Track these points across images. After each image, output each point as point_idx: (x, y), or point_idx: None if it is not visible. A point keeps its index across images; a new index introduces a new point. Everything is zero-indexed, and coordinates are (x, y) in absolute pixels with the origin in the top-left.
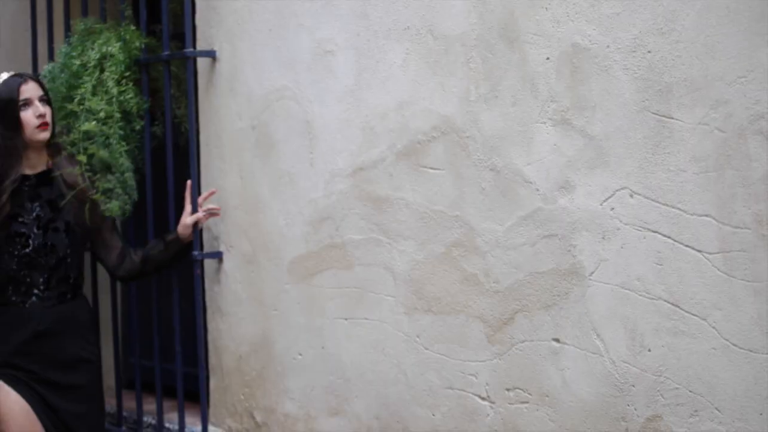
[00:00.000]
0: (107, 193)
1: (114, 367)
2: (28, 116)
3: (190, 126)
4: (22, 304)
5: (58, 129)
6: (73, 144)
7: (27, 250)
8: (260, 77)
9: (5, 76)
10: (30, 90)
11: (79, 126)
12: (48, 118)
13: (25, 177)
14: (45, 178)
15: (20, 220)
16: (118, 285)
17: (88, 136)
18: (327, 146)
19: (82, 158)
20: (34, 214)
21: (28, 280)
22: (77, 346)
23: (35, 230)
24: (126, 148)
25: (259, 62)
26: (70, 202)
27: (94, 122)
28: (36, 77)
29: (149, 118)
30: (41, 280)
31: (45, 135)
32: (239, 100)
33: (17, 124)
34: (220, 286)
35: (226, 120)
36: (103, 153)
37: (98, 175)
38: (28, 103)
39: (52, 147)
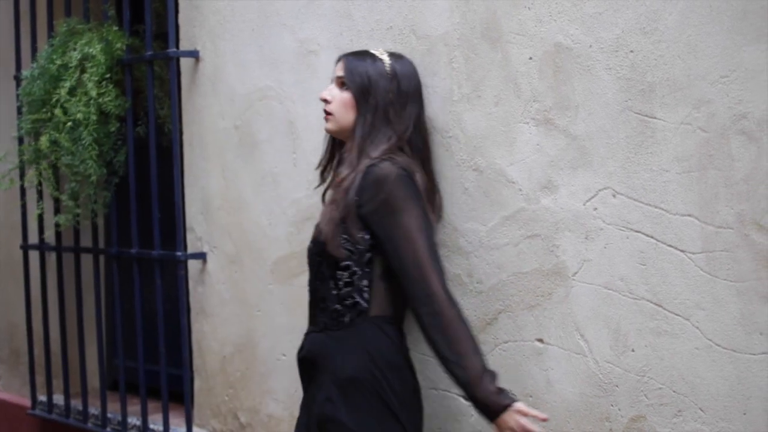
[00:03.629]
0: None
1: (98, 369)
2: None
3: (173, 126)
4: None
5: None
6: (38, 151)
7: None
8: (243, 77)
9: None
10: (338, 69)
11: (47, 133)
12: (332, 106)
13: None
14: None
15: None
16: (102, 284)
17: (56, 145)
18: (310, 146)
19: (47, 168)
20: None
21: (309, 295)
22: (324, 392)
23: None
24: (96, 151)
25: (241, 62)
26: None
27: (62, 132)
28: (350, 56)
29: (132, 118)
30: (311, 298)
31: (326, 125)
32: (222, 100)
33: None
34: (203, 286)
35: (209, 120)
36: (66, 160)
37: (53, 187)
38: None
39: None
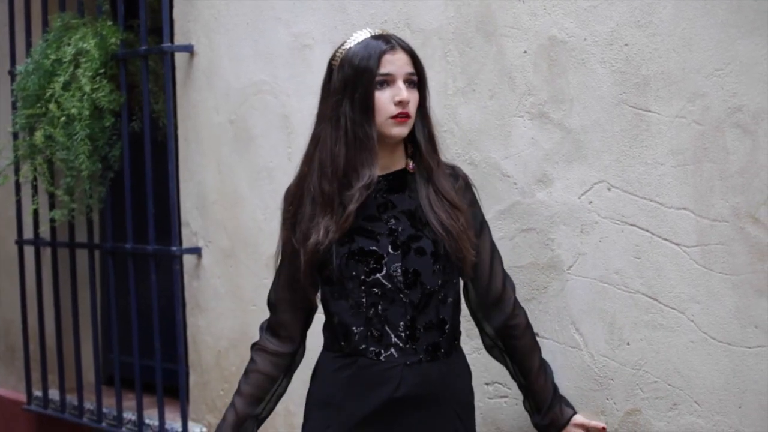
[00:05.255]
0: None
1: (93, 364)
2: (384, 99)
3: (168, 121)
4: (374, 357)
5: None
6: (33, 146)
7: (379, 275)
8: (238, 71)
9: (365, 34)
10: (396, 62)
11: (42, 128)
12: (411, 108)
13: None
14: (399, 181)
15: (368, 234)
16: (97, 279)
17: (51, 140)
18: (305, 140)
19: (42, 163)
20: (388, 228)
21: (383, 321)
22: (450, 426)
23: (390, 250)
24: (90, 146)
25: (236, 56)
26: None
27: (56, 127)
28: (409, 45)
29: (127, 113)
30: (402, 323)
31: (401, 130)
32: (217, 95)
33: (369, 107)
34: (199, 281)
35: (204, 114)
36: (61, 155)
37: (48, 182)
38: (388, 80)
39: (413, 142)
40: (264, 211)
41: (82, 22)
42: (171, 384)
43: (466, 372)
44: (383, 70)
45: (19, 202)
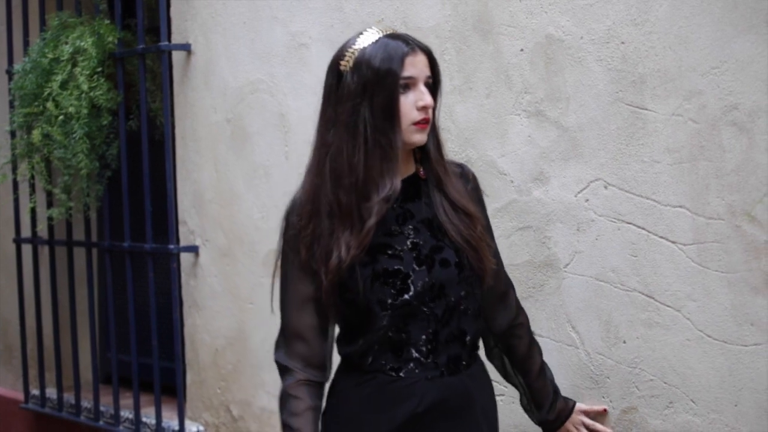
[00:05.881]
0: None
1: (91, 362)
2: (408, 105)
3: (165, 119)
4: (394, 373)
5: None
6: (31, 145)
7: (407, 295)
8: (235, 70)
9: (376, 34)
10: (417, 65)
11: (40, 127)
12: (430, 113)
13: None
14: (413, 188)
15: (390, 252)
16: (95, 278)
17: (48, 138)
18: (302, 139)
19: (39, 161)
20: (409, 242)
21: (404, 336)
22: None
23: (415, 266)
24: (88, 145)
25: (233, 55)
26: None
27: (54, 126)
28: (427, 46)
29: (125, 112)
30: (423, 337)
31: (422, 137)
32: (214, 94)
33: (394, 113)
34: (196, 279)
35: (201, 113)
36: (58, 153)
37: (45, 180)
38: (410, 84)
39: (421, 147)
40: (260, 210)
41: (80, 21)
42: (168, 382)
43: (487, 382)
44: (406, 73)
45: (16, 201)
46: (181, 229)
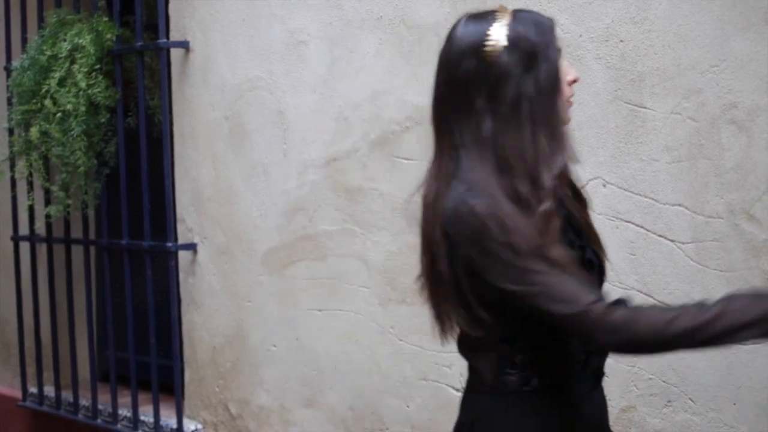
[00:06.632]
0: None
1: (89, 360)
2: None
3: (163, 117)
4: (560, 388)
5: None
6: (29, 142)
7: None
8: (233, 67)
9: (509, 13)
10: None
11: (38, 124)
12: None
13: None
14: None
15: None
16: (93, 276)
17: (46, 136)
18: (300, 137)
19: (37, 159)
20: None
21: (568, 346)
22: None
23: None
24: (86, 142)
25: (232, 52)
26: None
27: (51, 123)
28: None
29: (123, 109)
30: (579, 347)
31: (569, 117)
32: (212, 91)
33: (558, 84)
34: (194, 277)
35: (200, 110)
36: (56, 151)
37: (43, 177)
38: (560, 57)
39: None
40: (259, 208)
41: (78, 18)
42: (166, 380)
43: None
44: (558, 44)
45: (14, 198)
46: (180, 227)
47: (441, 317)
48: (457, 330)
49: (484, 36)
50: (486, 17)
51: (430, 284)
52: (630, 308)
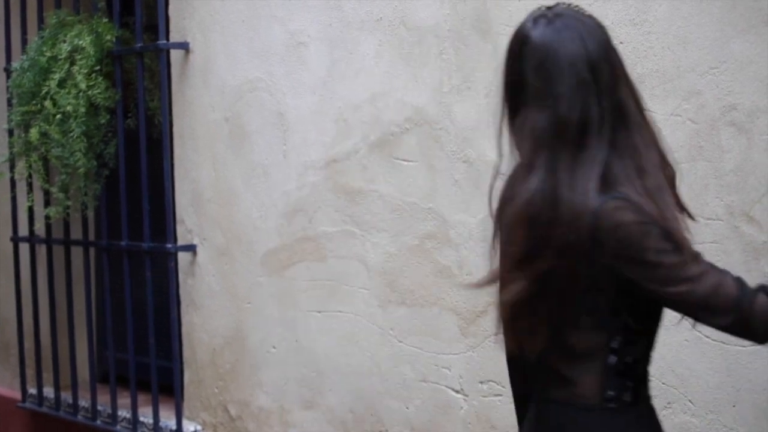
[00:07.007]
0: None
1: (88, 361)
2: None
3: (163, 118)
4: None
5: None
6: (28, 143)
7: None
8: (233, 69)
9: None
10: None
11: (37, 125)
12: None
13: None
14: None
15: None
16: (92, 277)
17: (46, 137)
18: (300, 138)
19: (37, 160)
20: None
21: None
22: None
23: None
24: (86, 143)
25: (232, 54)
26: None
27: (51, 124)
28: None
29: (123, 110)
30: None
31: None
32: (212, 92)
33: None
34: (194, 278)
35: (200, 112)
36: (56, 152)
37: (43, 179)
38: None
39: None
40: (259, 209)
41: (78, 19)
42: (166, 381)
43: None
44: None
45: (14, 199)
46: (179, 228)
47: (535, 327)
48: (540, 341)
49: (586, 45)
50: (560, 31)
51: (535, 292)
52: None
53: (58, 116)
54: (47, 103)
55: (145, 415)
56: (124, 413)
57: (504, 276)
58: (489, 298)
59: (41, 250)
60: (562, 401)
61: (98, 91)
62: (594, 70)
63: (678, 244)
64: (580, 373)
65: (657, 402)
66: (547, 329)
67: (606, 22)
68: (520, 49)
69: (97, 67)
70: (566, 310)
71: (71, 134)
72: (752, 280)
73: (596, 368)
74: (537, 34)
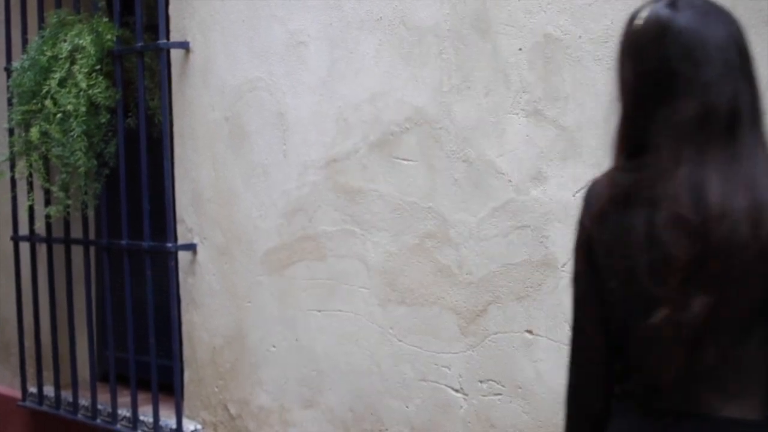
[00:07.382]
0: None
1: (88, 360)
2: None
3: (163, 117)
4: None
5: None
6: (29, 143)
7: None
8: (233, 68)
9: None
10: None
11: (38, 124)
12: None
13: None
14: None
15: None
16: (93, 276)
17: (46, 136)
18: (300, 138)
19: (37, 159)
20: None
21: None
22: None
23: None
24: (86, 143)
25: (232, 53)
26: None
27: (52, 124)
28: None
29: (123, 109)
30: None
31: None
32: (212, 92)
33: None
34: (194, 277)
35: (200, 111)
36: (57, 151)
37: (43, 178)
38: None
39: None
40: (259, 208)
41: (78, 19)
42: (166, 380)
43: None
44: None
45: (14, 198)
46: (179, 228)
47: (708, 341)
48: (709, 356)
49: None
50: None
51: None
52: None
53: (59, 115)
54: (48, 103)
55: (145, 414)
56: (124, 412)
57: (668, 293)
58: (489, 297)
59: (42, 249)
60: (732, 419)
61: (98, 90)
62: (741, 54)
63: None
64: (747, 388)
65: None
66: (721, 342)
67: (606, 21)
68: (658, 36)
69: (98, 67)
70: (742, 320)
71: (72, 133)
72: None
73: (761, 384)
74: (682, 19)
